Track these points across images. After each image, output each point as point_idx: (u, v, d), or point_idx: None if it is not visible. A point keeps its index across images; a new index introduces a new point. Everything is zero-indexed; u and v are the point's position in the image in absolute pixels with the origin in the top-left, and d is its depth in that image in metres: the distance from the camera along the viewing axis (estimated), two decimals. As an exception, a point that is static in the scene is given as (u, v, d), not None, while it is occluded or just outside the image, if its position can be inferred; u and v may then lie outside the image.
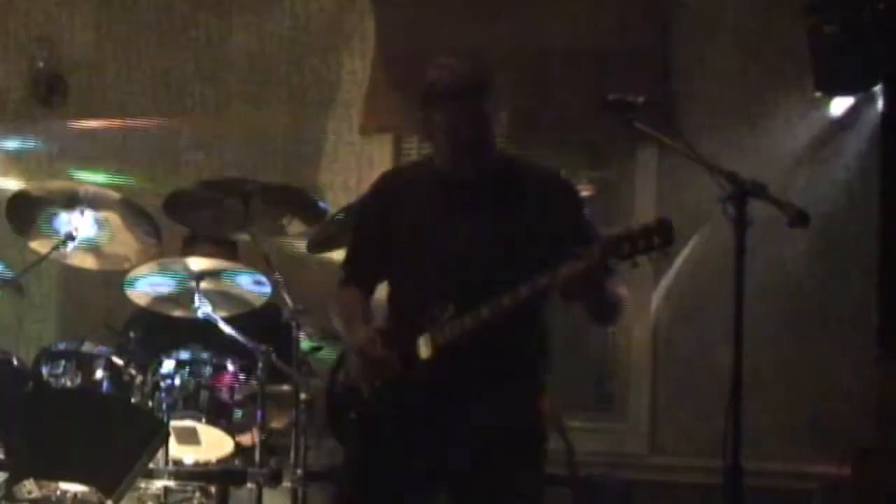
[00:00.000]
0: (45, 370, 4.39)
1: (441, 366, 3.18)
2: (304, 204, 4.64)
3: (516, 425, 3.27)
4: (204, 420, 4.38)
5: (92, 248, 4.72)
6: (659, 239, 2.96)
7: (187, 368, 4.43)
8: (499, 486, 3.24)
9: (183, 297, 4.55)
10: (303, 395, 4.27)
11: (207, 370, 4.44)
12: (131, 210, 4.66)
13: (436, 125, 3.21)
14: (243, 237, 4.72)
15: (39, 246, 4.69)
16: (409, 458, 3.25)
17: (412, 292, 3.29)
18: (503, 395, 3.23)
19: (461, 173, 3.25)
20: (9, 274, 4.68)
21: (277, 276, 4.40)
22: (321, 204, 4.69)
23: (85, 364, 4.40)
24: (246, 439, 4.46)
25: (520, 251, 3.17)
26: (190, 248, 4.89)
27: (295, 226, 4.71)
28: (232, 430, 4.42)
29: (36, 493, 4.00)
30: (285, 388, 4.45)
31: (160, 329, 4.74)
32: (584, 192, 5.69)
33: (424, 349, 3.19)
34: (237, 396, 4.46)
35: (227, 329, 4.44)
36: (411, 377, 3.20)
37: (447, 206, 3.26)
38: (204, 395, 4.40)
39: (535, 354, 3.34)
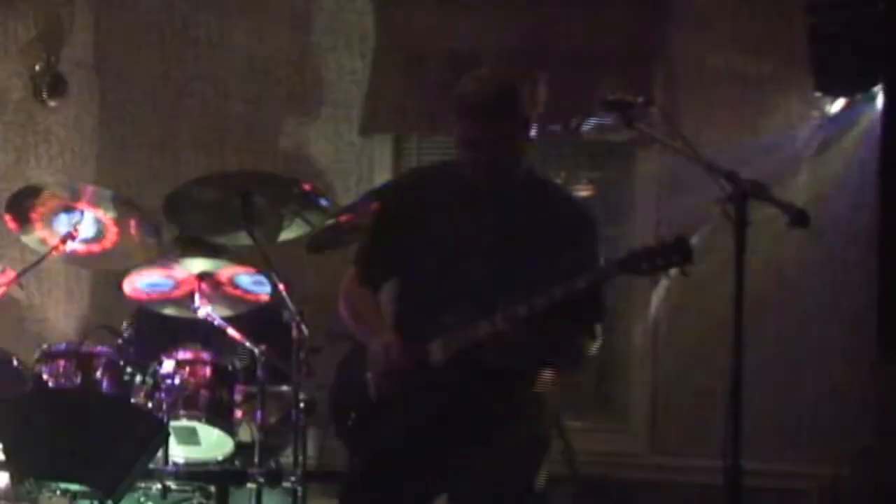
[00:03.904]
0: (45, 370, 4.39)
1: (450, 371, 3.18)
2: (304, 202, 4.64)
3: (521, 432, 3.28)
4: (204, 420, 4.38)
5: (92, 248, 4.72)
6: (677, 257, 2.98)
7: (187, 368, 4.43)
8: (500, 491, 3.25)
9: (183, 297, 4.55)
10: (302, 395, 4.28)
11: (207, 370, 4.44)
12: (131, 210, 4.66)
13: (460, 135, 3.20)
14: (243, 238, 4.71)
15: (39, 245, 4.69)
16: (413, 461, 3.26)
17: (425, 296, 3.29)
18: (509, 401, 3.24)
19: (481, 185, 3.24)
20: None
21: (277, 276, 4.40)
22: (322, 202, 4.68)
23: (85, 364, 4.40)
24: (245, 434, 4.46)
25: (535, 269, 3.17)
26: (181, 250, 4.87)
27: (295, 226, 4.71)
28: (232, 430, 4.42)
29: (36, 493, 4.00)
30: (285, 388, 4.45)
31: (160, 329, 4.74)
32: (585, 193, 5.70)
33: (436, 354, 3.18)
34: (237, 396, 4.46)
35: (227, 329, 4.44)
36: (421, 381, 3.21)
37: (468, 214, 3.25)
38: (204, 395, 4.40)
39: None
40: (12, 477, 4.06)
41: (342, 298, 3.43)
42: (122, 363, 4.46)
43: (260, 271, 4.51)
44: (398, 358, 3.19)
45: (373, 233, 3.48)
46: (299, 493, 4.29)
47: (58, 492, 4.00)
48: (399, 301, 3.40)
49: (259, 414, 4.34)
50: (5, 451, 4.14)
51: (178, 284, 4.57)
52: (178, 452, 4.39)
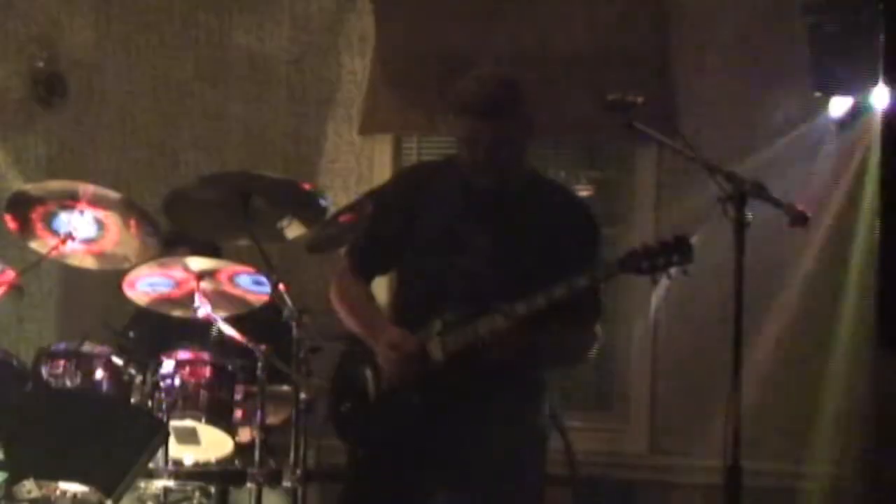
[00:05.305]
0: (45, 370, 4.38)
1: (449, 369, 3.18)
2: (304, 202, 4.63)
3: (520, 429, 3.28)
4: (204, 420, 4.38)
5: (92, 248, 4.71)
6: (678, 256, 2.98)
7: (187, 368, 4.43)
8: (500, 488, 3.25)
9: (183, 297, 4.55)
10: (303, 395, 4.27)
11: (207, 370, 4.44)
12: (131, 210, 4.65)
13: (460, 134, 3.20)
14: (243, 238, 4.71)
15: (39, 246, 4.68)
16: (413, 458, 3.26)
17: (424, 293, 3.29)
18: (507, 399, 3.24)
19: (481, 184, 3.24)
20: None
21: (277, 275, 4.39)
22: (322, 202, 4.68)
23: (85, 364, 4.39)
24: (245, 435, 4.46)
25: (533, 268, 3.17)
26: (170, 250, 4.86)
27: (295, 226, 4.71)
28: (232, 430, 4.42)
29: (36, 493, 4.00)
30: (285, 388, 4.45)
31: (160, 329, 4.74)
32: (584, 193, 5.70)
33: (435, 353, 3.18)
34: (237, 396, 4.46)
35: (227, 329, 4.44)
36: (420, 379, 3.21)
37: (468, 212, 3.25)
38: (204, 395, 4.40)
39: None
40: (12, 476, 4.06)
41: (334, 289, 3.44)
42: (122, 363, 4.46)
43: (260, 271, 4.51)
44: (414, 347, 3.19)
45: (372, 225, 3.48)
46: (299, 493, 4.29)
47: (58, 491, 4.00)
48: (397, 297, 3.40)
49: (259, 414, 4.34)
50: (5, 451, 4.14)
51: (177, 284, 4.56)
52: (178, 452, 4.39)
